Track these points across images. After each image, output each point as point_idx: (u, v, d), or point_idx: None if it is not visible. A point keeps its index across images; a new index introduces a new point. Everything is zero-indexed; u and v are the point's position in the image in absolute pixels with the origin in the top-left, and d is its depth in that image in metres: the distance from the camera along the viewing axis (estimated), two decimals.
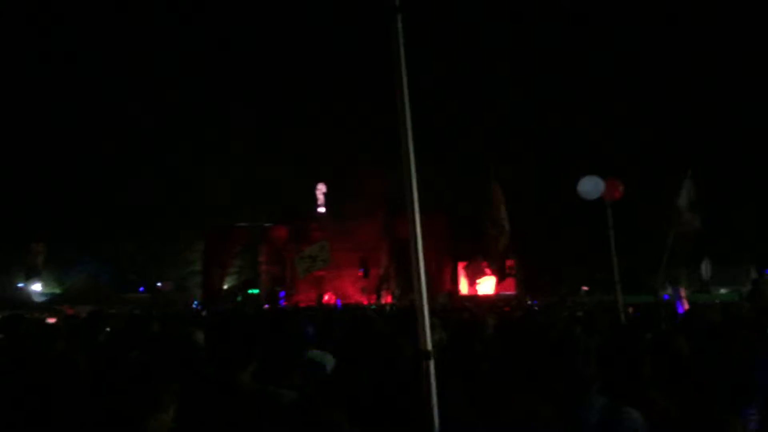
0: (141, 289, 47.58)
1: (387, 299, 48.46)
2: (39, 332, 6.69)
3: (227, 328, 8.42)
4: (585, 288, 47.49)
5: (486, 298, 42.32)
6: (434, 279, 47.93)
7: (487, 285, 50.11)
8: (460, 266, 53.07)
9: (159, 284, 50.28)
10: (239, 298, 49.92)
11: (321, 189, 56.21)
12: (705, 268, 37.99)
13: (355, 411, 3.84)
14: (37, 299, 33.09)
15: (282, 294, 50.70)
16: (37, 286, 39.34)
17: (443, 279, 51.99)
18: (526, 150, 51.42)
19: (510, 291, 46.54)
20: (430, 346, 3.75)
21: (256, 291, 52.64)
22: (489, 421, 3.61)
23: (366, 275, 52.79)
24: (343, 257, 46.03)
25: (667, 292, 20.58)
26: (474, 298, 43.11)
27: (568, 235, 46.26)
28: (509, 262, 42.59)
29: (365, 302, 45.25)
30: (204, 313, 25.06)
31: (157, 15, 64.23)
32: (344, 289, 50.76)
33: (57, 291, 38.95)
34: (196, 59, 60.34)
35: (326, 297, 47.68)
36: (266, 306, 39.57)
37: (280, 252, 53.52)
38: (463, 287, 52.26)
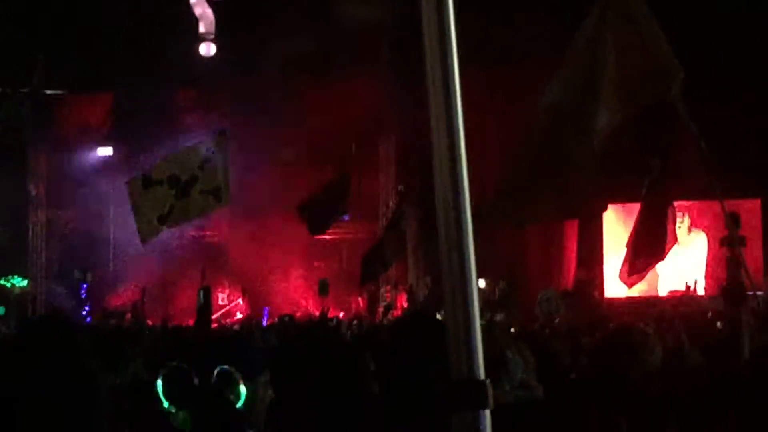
0: None
1: (400, 301, 19.97)
2: None
3: None
4: None
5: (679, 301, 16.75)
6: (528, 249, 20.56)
7: (673, 267, 17.13)
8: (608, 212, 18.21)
9: None
10: None
11: None
12: None
13: None
14: None
15: (84, 287, 21.46)
16: None
17: (559, 252, 20.58)
18: None
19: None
20: (482, 374, 1.32)
21: (18, 281, 22.69)
22: None
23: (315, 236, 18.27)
24: (271, 182, 19.58)
25: None
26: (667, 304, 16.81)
27: None
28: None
29: (333, 312, 18.77)
30: None
31: None
32: (270, 277, 21.54)
33: None
34: None
35: (224, 296, 22.10)
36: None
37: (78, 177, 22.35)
38: (610, 274, 18.67)
